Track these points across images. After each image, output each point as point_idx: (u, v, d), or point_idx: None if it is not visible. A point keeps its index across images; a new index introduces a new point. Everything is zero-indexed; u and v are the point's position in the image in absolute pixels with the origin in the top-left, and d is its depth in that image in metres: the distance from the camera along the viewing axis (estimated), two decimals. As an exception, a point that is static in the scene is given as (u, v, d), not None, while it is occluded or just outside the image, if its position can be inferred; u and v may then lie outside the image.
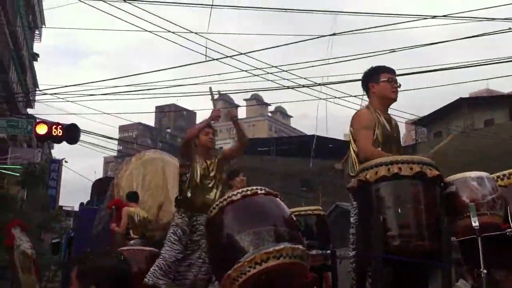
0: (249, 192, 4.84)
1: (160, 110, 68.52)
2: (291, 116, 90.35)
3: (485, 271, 3.31)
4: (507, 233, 3.41)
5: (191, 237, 5.29)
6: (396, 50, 10.32)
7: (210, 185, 5.42)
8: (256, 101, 72.92)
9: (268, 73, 12.62)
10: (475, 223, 3.32)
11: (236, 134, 5.73)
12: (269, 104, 78.99)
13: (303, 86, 13.72)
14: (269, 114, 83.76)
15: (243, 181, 6.46)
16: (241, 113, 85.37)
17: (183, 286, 5.26)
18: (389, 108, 4.33)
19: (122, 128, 71.53)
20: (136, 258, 7.15)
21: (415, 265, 3.35)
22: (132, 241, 8.23)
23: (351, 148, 4.14)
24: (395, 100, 4.22)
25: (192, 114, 75.29)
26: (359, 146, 3.96)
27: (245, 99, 77.98)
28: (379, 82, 4.12)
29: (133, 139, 69.59)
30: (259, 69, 12.30)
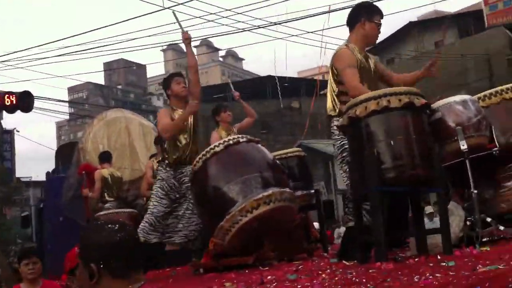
0: (231, 142, 4.82)
1: (109, 68, 66.69)
2: (242, 59, 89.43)
3: (475, 191, 3.39)
4: (494, 152, 3.48)
5: (179, 190, 5.24)
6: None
7: (186, 137, 5.33)
8: (206, 47, 71.70)
9: (223, 17, 12.36)
10: (463, 146, 3.37)
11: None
12: (219, 49, 77.87)
13: (259, 27, 13.54)
14: (220, 59, 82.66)
15: (229, 116, 6.45)
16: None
17: (174, 238, 5.26)
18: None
19: (71, 90, 69.58)
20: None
21: (411, 193, 3.41)
22: (107, 204, 8.10)
23: (330, 88, 4.12)
24: (374, 45, 4.30)
25: (142, 67, 73.69)
26: (348, 85, 3.92)
27: (195, 46, 76.53)
28: (372, 21, 4.10)
29: (83, 99, 67.87)
30: (212, 14, 12.01)
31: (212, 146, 4.82)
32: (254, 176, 4.61)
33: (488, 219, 3.56)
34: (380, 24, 4.22)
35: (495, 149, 3.50)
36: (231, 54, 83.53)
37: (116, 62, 66.99)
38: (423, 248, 3.40)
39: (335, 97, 4.07)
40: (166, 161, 5.29)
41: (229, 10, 12.28)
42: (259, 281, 3.08)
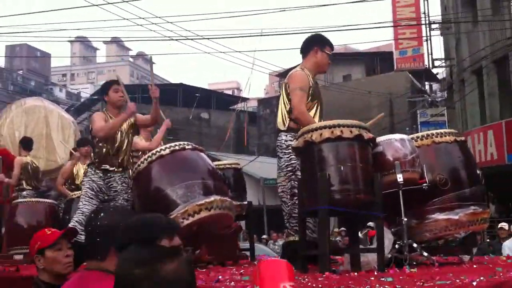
0: (177, 147, 5.05)
1: (12, 55, 63.34)
2: (154, 63, 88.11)
3: (405, 219, 3.87)
4: (424, 187, 4.00)
5: (107, 193, 5.37)
6: (286, 9, 10.72)
7: (117, 145, 5.47)
8: (116, 44, 70.13)
9: (152, 23, 12.46)
10: (400, 179, 3.85)
11: (152, 112, 5.58)
12: (130, 49, 76.44)
13: (186, 38, 13.81)
14: (130, 59, 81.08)
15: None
16: (101, 57, 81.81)
17: None
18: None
19: (-34, 68, 65.13)
20: (35, 210, 7.00)
21: (353, 214, 3.83)
22: (24, 192, 7.97)
23: (282, 104, 4.53)
24: (324, 73, 4.76)
25: (46, 55, 70.56)
26: (294, 105, 4.40)
27: (105, 42, 74.58)
28: (324, 51, 4.54)
29: (-21, 80, 63.72)
30: (142, 18, 12.07)
31: (158, 149, 5.03)
32: (197, 182, 4.86)
33: (415, 245, 4.02)
34: (330, 55, 4.69)
35: (425, 184, 4.01)
36: (141, 55, 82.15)
37: (19, 46, 63.85)
38: (356, 264, 3.83)
39: (286, 113, 4.49)
40: (95, 166, 5.42)
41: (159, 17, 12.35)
42: (215, 279, 3.34)
